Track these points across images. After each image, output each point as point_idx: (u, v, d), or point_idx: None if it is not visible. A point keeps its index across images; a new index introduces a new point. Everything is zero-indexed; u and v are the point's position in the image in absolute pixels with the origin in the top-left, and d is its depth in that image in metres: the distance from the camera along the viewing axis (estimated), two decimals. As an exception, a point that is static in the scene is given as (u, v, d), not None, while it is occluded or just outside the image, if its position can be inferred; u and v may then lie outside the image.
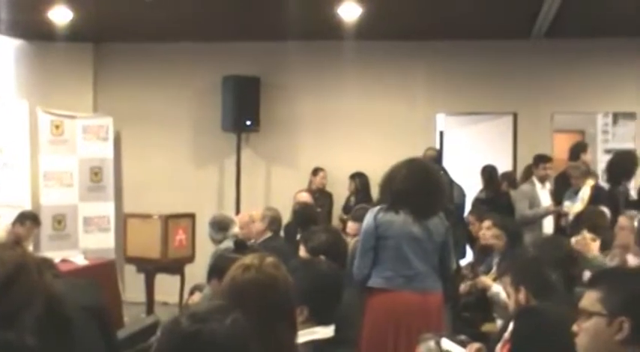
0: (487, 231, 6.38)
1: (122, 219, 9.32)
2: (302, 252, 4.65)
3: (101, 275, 7.70)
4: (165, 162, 10.77)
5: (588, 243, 5.59)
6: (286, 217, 7.75)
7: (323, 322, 3.09)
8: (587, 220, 6.93)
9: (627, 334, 2.22)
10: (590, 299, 2.31)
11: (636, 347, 2.23)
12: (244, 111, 10.21)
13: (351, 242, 5.82)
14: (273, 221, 6.91)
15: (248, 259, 2.49)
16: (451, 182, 9.07)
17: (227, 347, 1.90)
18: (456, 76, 10.43)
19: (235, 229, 7.01)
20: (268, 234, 6.87)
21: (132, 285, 9.72)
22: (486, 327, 5.57)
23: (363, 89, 10.49)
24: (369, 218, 4.88)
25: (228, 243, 6.42)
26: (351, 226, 6.25)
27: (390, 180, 4.91)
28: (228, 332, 1.91)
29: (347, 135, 10.47)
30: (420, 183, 4.83)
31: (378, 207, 4.89)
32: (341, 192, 10.13)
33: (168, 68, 10.79)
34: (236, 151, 10.40)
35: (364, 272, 4.83)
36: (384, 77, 10.50)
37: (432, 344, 4.37)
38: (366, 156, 10.17)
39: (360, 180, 9.93)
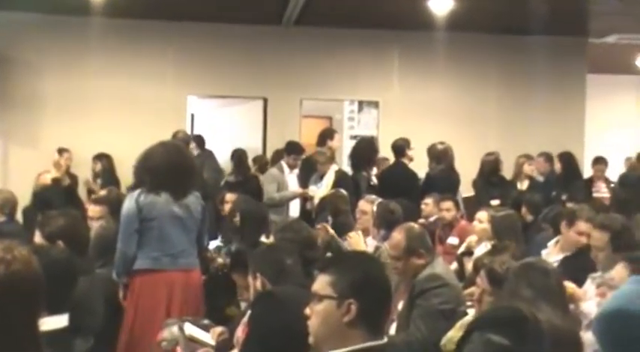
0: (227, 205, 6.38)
1: None
2: (37, 237, 4.40)
3: None
4: None
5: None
6: (27, 200, 7.39)
7: (55, 311, 2.94)
8: (329, 204, 7.18)
9: (354, 316, 2.29)
10: (321, 282, 2.37)
11: (362, 328, 2.31)
12: (-23, 85, 9.54)
13: (94, 226, 5.62)
14: (5, 204, 6.54)
15: None
16: (202, 164, 9.04)
17: None
18: (207, 58, 10.42)
19: (-40, 213, 6.52)
20: (1, 219, 6.46)
21: None
22: (231, 311, 5.58)
23: (110, 68, 10.20)
24: (130, 202, 4.89)
25: (-48, 228, 5.96)
26: (93, 209, 6.01)
27: (145, 161, 4.97)
28: None
29: (94, 115, 10.14)
30: (175, 163, 4.95)
31: (137, 191, 4.90)
32: (87, 173, 9.77)
33: None
34: (-32, 129, 9.72)
35: (129, 254, 4.84)
36: (133, 57, 10.27)
37: (175, 329, 4.33)
38: (113, 137, 9.95)
39: (104, 161, 9.65)
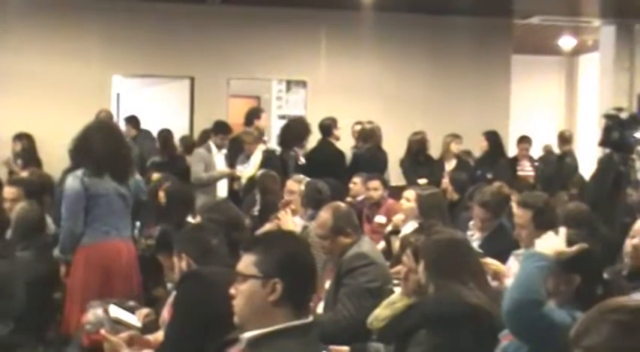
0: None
1: None
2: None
3: None
4: None
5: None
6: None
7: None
8: (259, 183, 7.15)
9: (279, 295, 2.28)
10: (246, 262, 2.35)
11: (287, 307, 2.30)
12: None
13: (13, 207, 5.48)
14: None
15: None
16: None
17: None
18: (132, 37, 10.24)
19: None
20: None
21: None
22: (158, 292, 5.52)
23: (32, 46, 9.94)
24: (74, 181, 4.95)
25: None
26: (8, 190, 5.85)
27: (84, 148, 5.04)
28: None
29: (14, 94, 9.87)
30: (117, 147, 5.10)
31: (80, 171, 4.95)
32: (7, 153, 9.51)
33: None
34: None
35: (77, 232, 4.94)
36: (56, 34, 10.03)
37: (99, 311, 4.26)
38: (35, 117, 9.72)
39: (25, 141, 9.42)
